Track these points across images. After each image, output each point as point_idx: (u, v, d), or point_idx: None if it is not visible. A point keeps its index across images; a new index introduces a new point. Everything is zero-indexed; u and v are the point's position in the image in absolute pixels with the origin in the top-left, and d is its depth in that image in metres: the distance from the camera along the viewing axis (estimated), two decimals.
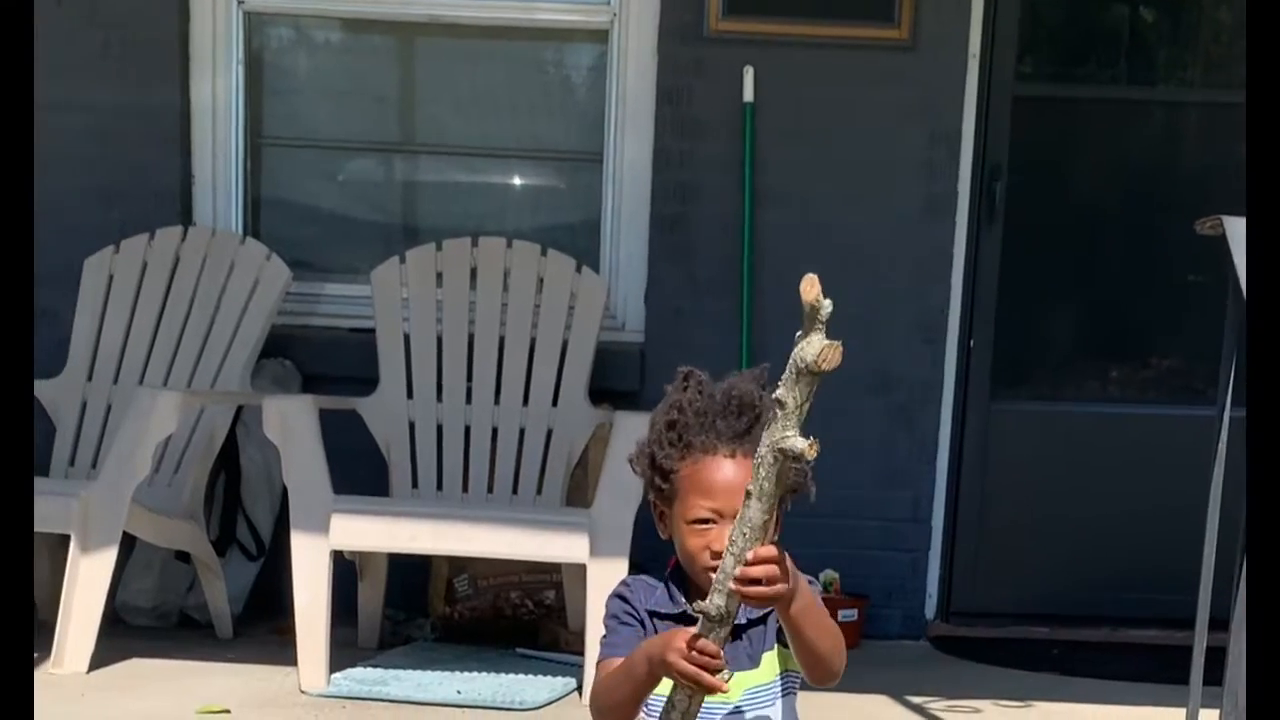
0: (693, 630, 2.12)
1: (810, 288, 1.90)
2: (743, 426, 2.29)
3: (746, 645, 2.31)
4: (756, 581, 2.07)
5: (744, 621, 2.29)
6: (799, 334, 1.92)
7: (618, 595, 2.43)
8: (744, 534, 2.02)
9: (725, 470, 2.28)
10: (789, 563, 2.13)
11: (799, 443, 1.94)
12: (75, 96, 5.18)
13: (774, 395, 1.96)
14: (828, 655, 2.27)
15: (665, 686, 2.21)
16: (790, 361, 1.93)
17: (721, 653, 2.11)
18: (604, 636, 2.41)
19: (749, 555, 2.04)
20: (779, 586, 2.09)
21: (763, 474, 1.99)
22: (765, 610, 2.29)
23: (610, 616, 2.41)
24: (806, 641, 2.23)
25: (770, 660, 2.36)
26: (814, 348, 1.91)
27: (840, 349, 1.91)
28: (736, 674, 2.21)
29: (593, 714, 2.38)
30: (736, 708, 2.35)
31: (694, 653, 2.09)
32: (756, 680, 2.35)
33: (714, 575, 2.09)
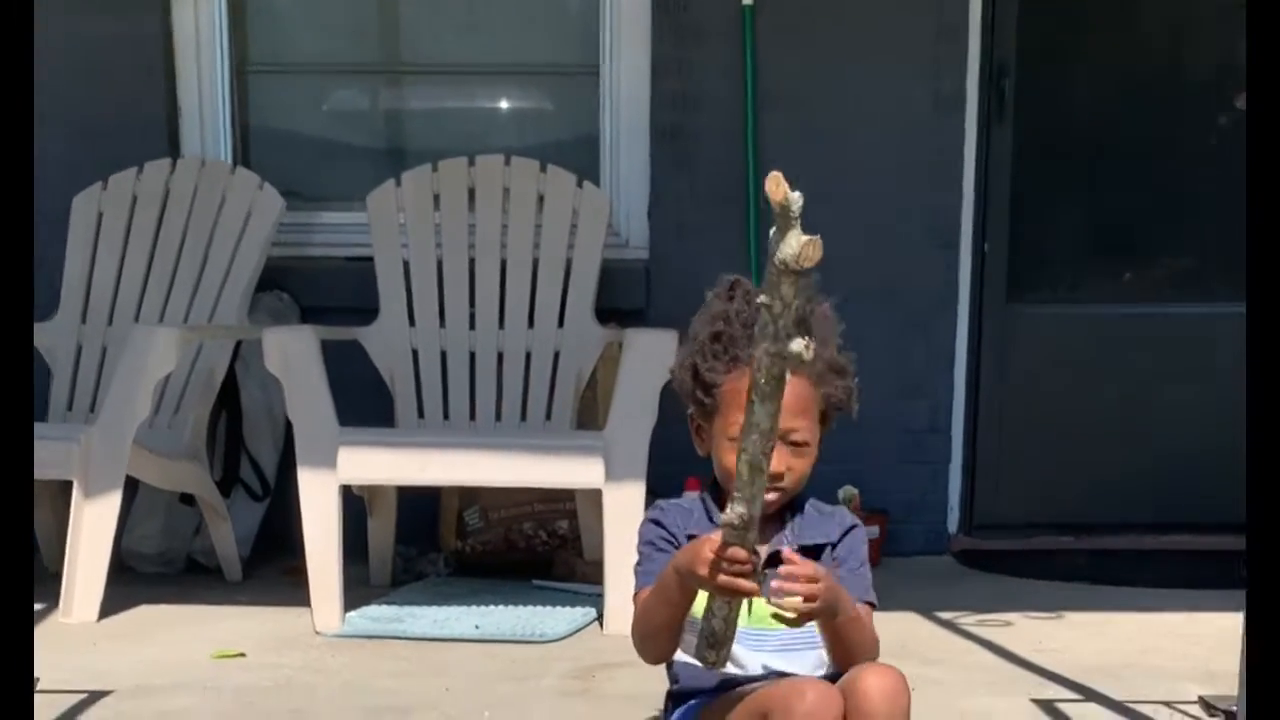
0: (717, 538, 2.05)
1: (776, 186, 1.84)
2: None
3: None
4: (811, 585, 2.10)
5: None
6: (773, 232, 1.87)
7: (652, 520, 2.34)
8: (754, 440, 1.99)
9: None
10: (831, 580, 2.15)
11: (795, 344, 1.90)
12: (53, 30, 4.99)
13: (759, 300, 1.91)
14: (859, 660, 2.26)
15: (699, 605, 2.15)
16: (769, 264, 1.88)
17: (752, 556, 2.05)
18: (638, 565, 2.33)
19: (788, 559, 2.10)
20: (815, 604, 2.11)
21: (762, 378, 1.95)
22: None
23: (645, 543, 2.33)
24: (842, 644, 2.25)
25: None
26: (792, 246, 1.85)
27: (819, 243, 1.86)
28: (787, 599, 2.14)
29: (636, 646, 2.31)
30: (787, 640, 2.27)
31: (724, 563, 2.03)
32: None
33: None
